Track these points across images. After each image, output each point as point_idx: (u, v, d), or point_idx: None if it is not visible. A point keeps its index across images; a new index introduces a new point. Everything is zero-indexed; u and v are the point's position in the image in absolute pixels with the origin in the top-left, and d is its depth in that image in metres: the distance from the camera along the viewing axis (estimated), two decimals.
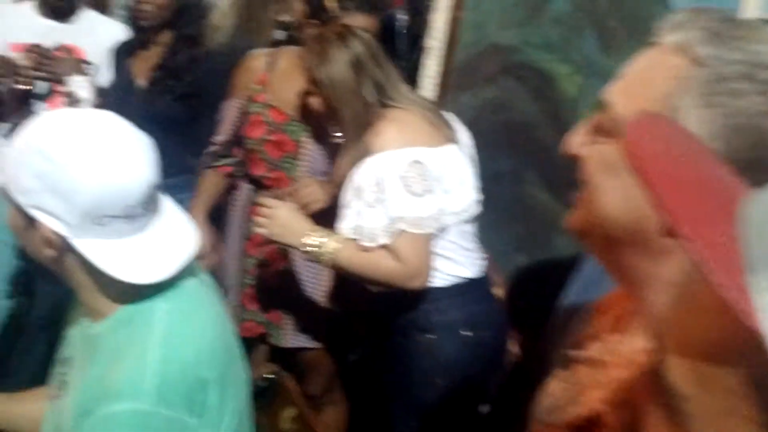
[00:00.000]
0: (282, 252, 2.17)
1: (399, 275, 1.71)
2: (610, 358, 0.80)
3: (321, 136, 2.09)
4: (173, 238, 1.14)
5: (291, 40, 2.84)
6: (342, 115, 1.77)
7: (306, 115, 2.06)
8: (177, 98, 2.29)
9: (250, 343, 2.18)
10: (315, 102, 1.85)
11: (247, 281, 2.25)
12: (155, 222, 1.12)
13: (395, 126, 1.74)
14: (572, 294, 1.48)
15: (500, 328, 1.92)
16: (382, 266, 1.71)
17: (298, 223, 1.76)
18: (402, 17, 3.33)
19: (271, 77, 2.16)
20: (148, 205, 1.09)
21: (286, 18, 3.02)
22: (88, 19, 2.41)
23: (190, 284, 1.16)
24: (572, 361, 0.88)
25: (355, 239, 1.72)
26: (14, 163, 1.05)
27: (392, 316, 1.88)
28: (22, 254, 1.74)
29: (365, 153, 1.72)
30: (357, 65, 1.75)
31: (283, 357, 2.38)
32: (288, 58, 2.17)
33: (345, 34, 1.78)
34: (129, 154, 1.05)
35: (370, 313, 1.98)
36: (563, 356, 0.90)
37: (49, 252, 1.07)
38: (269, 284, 2.23)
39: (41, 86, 2.34)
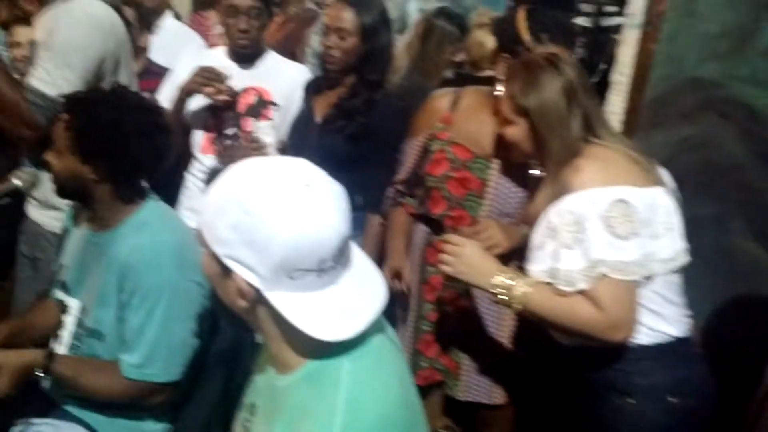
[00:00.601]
0: (462, 295, 2.07)
1: (598, 325, 1.55)
2: None
3: (512, 172, 1.98)
4: (362, 292, 1.12)
5: (464, 79, 2.80)
6: (548, 146, 1.65)
7: (499, 149, 1.97)
8: (347, 138, 2.30)
9: (424, 392, 2.08)
10: (514, 133, 1.73)
11: (424, 327, 2.16)
12: (345, 275, 1.10)
13: (598, 163, 1.61)
14: None
15: (709, 396, 1.69)
16: (580, 314, 1.56)
17: (487, 262, 1.66)
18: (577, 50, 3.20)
19: (455, 116, 2.10)
20: (340, 258, 1.07)
21: (461, 57, 2.99)
22: (273, 62, 2.48)
23: (375, 341, 1.14)
24: None
25: (549, 283, 1.59)
26: (213, 212, 1.06)
27: (585, 373, 1.71)
28: (210, 295, 1.78)
29: (563, 191, 1.59)
30: (569, 92, 1.64)
31: (459, 410, 2.25)
32: (472, 96, 2.11)
33: (555, 60, 1.67)
34: (324, 208, 1.04)
35: (558, 367, 1.81)
36: None
37: (241, 302, 1.08)
38: (448, 330, 2.13)
39: (229, 127, 2.42)
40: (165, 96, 2.43)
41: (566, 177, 1.61)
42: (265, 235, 1.01)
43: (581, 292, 1.55)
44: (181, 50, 3.36)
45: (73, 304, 1.86)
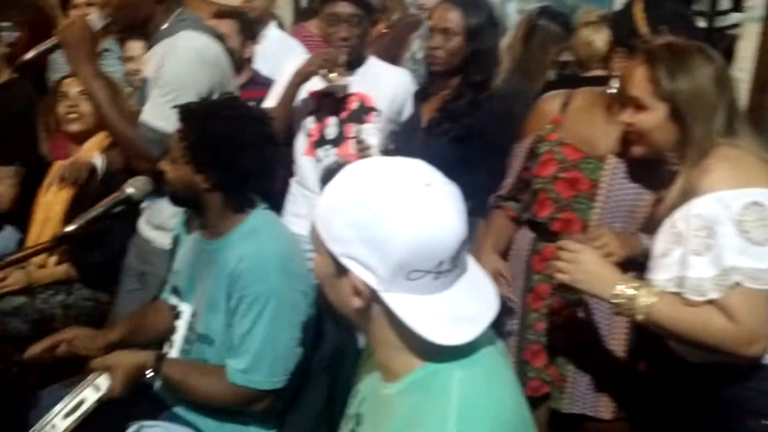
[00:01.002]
0: (571, 304, 1.97)
1: (731, 338, 1.44)
2: None
3: (627, 172, 1.88)
4: (476, 298, 1.10)
5: (569, 81, 2.70)
6: (691, 134, 1.54)
7: (615, 145, 1.88)
8: (451, 140, 2.26)
9: (531, 404, 2.00)
10: (647, 120, 1.61)
11: (530, 337, 2.08)
12: (460, 280, 1.08)
13: (729, 163, 1.50)
14: None
15: None
16: (710, 326, 1.45)
17: (606, 270, 1.57)
18: None
19: (566, 117, 2.02)
20: (456, 262, 1.05)
21: (566, 57, 2.89)
22: (375, 68, 2.47)
23: (485, 350, 1.11)
24: None
25: (675, 293, 1.48)
26: (329, 211, 1.05)
27: (713, 391, 1.59)
28: (315, 303, 1.82)
29: (691, 194, 1.49)
30: (720, 80, 1.54)
31: (565, 424, 2.15)
32: (583, 97, 2.03)
33: (704, 48, 1.58)
34: (444, 208, 1.02)
35: (681, 383, 1.69)
36: None
37: (356, 302, 1.06)
38: (555, 340, 2.04)
39: (331, 131, 2.43)
40: (271, 105, 2.46)
41: (694, 179, 1.50)
42: (385, 233, 0.99)
43: (712, 303, 1.45)
44: (285, 60, 3.43)
45: (185, 309, 1.91)
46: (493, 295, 1.12)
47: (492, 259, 2.12)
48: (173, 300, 1.95)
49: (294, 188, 2.56)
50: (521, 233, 2.14)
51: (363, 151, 2.24)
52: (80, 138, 2.65)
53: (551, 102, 2.07)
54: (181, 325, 1.90)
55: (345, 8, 2.33)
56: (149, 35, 2.11)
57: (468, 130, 2.24)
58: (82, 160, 2.55)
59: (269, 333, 1.74)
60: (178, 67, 2.01)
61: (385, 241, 0.99)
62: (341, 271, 1.05)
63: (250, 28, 3.10)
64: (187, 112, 1.80)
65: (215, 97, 2.07)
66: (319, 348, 1.89)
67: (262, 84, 2.95)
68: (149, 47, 2.14)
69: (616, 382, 1.99)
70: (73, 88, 2.60)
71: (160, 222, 2.16)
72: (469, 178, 2.11)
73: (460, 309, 1.05)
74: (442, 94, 2.34)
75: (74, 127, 2.62)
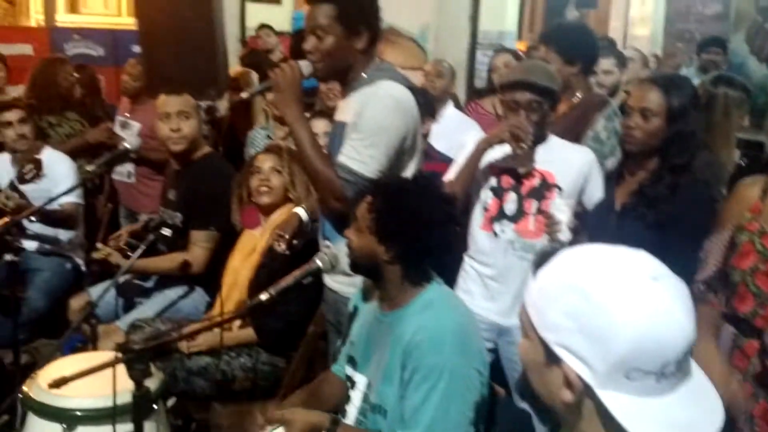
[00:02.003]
0: None
1: None
2: None
3: None
4: (701, 407, 0.99)
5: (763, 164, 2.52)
6: None
7: None
8: (648, 226, 2.15)
9: None
10: None
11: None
12: (683, 384, 0.98)
13: None
14: None
15: None
16: None
17: None
18: None
19: (765, 205, 1.86)
20: (682, 365, 0.96)
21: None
22: (557, 146, 2.44)
23: None
24: None
25: None
26: (544, 297, 1.01)
27: None
28: (488, 383, 1.80)
29: None
30: None
31: None
32: None
33: None
34: (673, 305, 0.95)
35: None
36: None
37: (566, 396, 0.99)
38: None
39: (510, 207, 2.40)
40: (451, 178, 2.48)
41: None
42: (606, 326, 0.93)
43: None
44: (460, 138, 3.49)
45: (360, 379, 1.93)
46: (719, 404, 1.01)
47: (724, 372, 1.90)
48: (349, 370, 1.98)
49: (467, 263, 2.54)
50: (724, 328, 1.98)
51: (551, 227, 2.19)
52: (269, 210, 2.82)
53: (750, 188, 1.93)
54: (356, 396, 1.92)
55: (525, 95, 2.32)
56: (347, 83, 2.24)
57: (666, 216, 2.13)
58: (288, 216, 2.69)
59: (441, 407, 1.71)
60: (378, 113, 2.10)
61: (606, 335, 0.93)
62: (552, 359, 0.99)
63: (430, 105, 3.19)
64: (379, 185, 1.87)
65: (407, 142, 2.16)
66: None
67: (435, 158, 3.00)
68: (345, 94, 2.26)
69: None
70: (266, 163, 2.80)
71: (343, 269, 2.23)
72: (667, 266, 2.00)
73: (681, 417, 0.96)
74: (637, 175, 2.26)
75: (265, 200, 2.80)
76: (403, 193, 1.81)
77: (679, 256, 2.05)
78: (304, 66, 2.16)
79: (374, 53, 2.24)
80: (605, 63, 3.85)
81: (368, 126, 2.09)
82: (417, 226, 1.77)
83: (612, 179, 2.38)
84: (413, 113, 2.19)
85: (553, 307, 0.98)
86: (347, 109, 2.20)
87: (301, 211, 2.63)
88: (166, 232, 2.82)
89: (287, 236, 2.49)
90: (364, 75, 2.19)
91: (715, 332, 1.99)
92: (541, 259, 1.04)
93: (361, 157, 2.07)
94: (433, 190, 1.87)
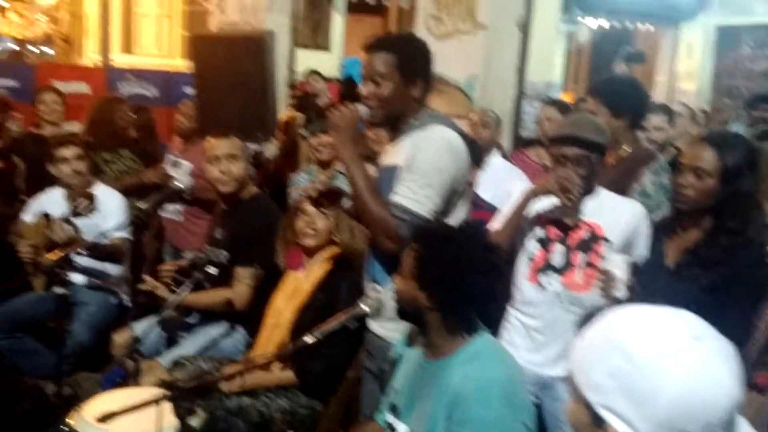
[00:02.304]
0: None
1: None
2: None
3: None
4: None
5: None
6: None
7: None
8: (702, 289, 2.09)
9: None
10: None
11: None
12: None
13: None
14: None
15: None
16: None
17: None
18: None
19: None
20: (729, 426, 0.95)
21: None
22: (606, 198, 2.41)
23: None
24: None
25: None
26: (588, 357, 1.01)
27: None
28: None
29: None
30: None
31: None
32: None
33: None
34: (717, 366, 0.94)
35: None
36: None
37: None
38: None
39: (557, 258, 2.38)
40: (496, 228, 2.47)
41: None
42: (648, 387, 0.92)
43: None
44: (506, 187, 3.49)
45: (402, 428, 1.90)
46: None
47: None
48: (390, 418, 1.96)
49: (511, 314, 2.51)
50: None
51: (608, 284, 2.15)
52: (312, 251, 2.84)
53: None
54: None
55: (573, 150, 2.31)
56: (397, 128, 2.29)
57: (723, 280, 2.08)
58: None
59: None
60: (432, 155, 2.15)
61: (649, 396, 0.92)
62: (598, 421, 0.99)
63: (477, 154, 3.20)
64: (422, 231, 1.88)
65: (459, 184, 2.19)
66: None
67: (479, 206, 3.00)
68: (394, 139, 2.31)
69: None
70: (311, 206, 2.83)
71: (390, 315, 2.23)
72: (718, 330, 1.95)
73: None
74: (690, 233, 2.21)
75: (310, 242, 2.82)
76: (446, 240, 1.82)
77: (733, 320, 2.00)
78: (361, 110, 2.23)
79: (425, 101, 2.31)
80: (656, 119, 3.82)
81: (423, 167, 2.13)
82: (458, 274, 1.77)
83: (661, 232, 2.33)
84: (464, 156, 2.24)
85: (597, 368, 0.98)
86: (398, 153, 2.25)
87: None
88: (212, 270, 2.86)
89: None
90: (415, 121, 2.25)
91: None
92: (585, 319, 1.04)
93: (417, 196, 2.11)
94: (477, 238, 1.87)
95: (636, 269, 2.26)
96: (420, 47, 2.29)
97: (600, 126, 2.42)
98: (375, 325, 2.32)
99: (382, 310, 1.98)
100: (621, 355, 0.95)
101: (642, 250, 2.37)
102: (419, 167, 2.14)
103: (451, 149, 2.18)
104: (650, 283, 2.18)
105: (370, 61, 2.23)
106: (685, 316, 1.00)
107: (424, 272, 1.81)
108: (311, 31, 8.03)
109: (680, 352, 0.93)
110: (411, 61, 2.23)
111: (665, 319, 0.99)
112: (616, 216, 2.37)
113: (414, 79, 2.23)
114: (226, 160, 3.10)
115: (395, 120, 2.28)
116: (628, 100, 2.92)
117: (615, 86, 3.00)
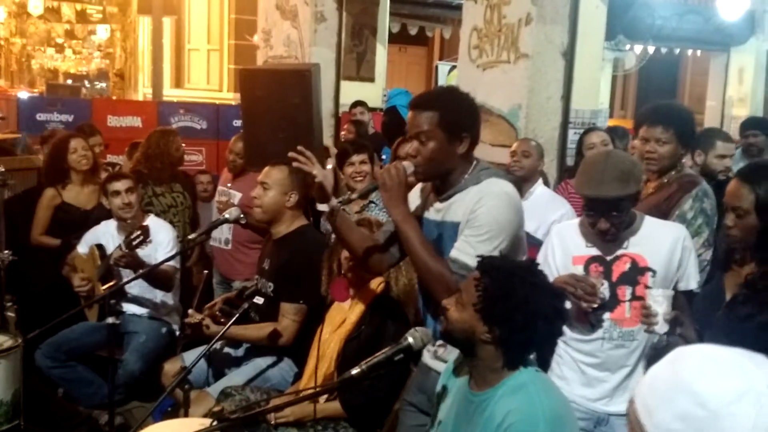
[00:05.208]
0: None
1: None
2: None
3: None
4: None
5: None
6: None
7: None
8: (760, 327, 2.02)
9: None
10: None
11: None
12: None
13: None
14: None
15: None
16: None
17: None
18: None
19: None
20: None
21: None
22: (647, 225, 2.37)
23: None
24: None
25: None
26: (655, 396, 0.98)
27: None
28: None
29: None
30: None
31: None
32: None
33: None
34: None
35: None
36: None
37: None
38: None
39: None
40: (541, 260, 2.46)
41: None
42: None
43: None
44: (550, 216, 3.46)
45: None
46: None
47: None
48: None
49: (561, 348, 2.47)
50: None
51: (647, 318, 2.12)
52: (359, 283, 2.85)
53: None
54: None
55: (601, 207, 2.26)
56: (446, 184, 2.27)
57: None
58: None
59: None
60: (494, 209, 2.15)
61: None
62: None
63: (518, 186, 3.18)
64: (490, 263, 1.86)
65: (517, 236, 2.20)
66: None
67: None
68: (443, 194, 2.28)
69: None
70: None
71: (444, 355, 2.22)
72: None
73: None
74: (746, 267, 2.17)
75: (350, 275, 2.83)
76: (513, 277, 1.79)
77: None
78: (408, 167, 2.22)
79: (473, 156, 2.29)
80: (722, 147, 3.69)
81: (484, 222, 2.13)
82: (525, 316, 1.75)
83: (718, 266, 2.29)
84: (522, 209, 2.24)
85: (664, 408, 0.95)
86: (454, 210, 2.24)
87: None
88: (259, 300, 2.90)
89: None
90: (466, 176, 2.24)
91: None
92: (655, 354, 1.01)
93: (476, 251, 2.09)
94: (543, 280, 1.86)
95: (690, 297, 2.22)
96: (464, 103, 2.28)
97: (626, 173, 2.26)
98: (429, 357, 2.32)
99: (429, 343, 1.97)
100: (692, 399, 0.93)
101: (691, 269, 2.33)
102: (480, 222, 2.14)
103: (511, 202, 2.18)
104: (708, 318, 2.14)
105: (415, 118, 2.23)
106: (759, 359, 0.97)
107: (490, 307, 1.78)
108: (355, 63, 8.15)
109: (756, 402, 0.91)
110: (455, 119, 2.21)
111: (742, 364, 0.96)
112: (658, 242, 2.32)
113: (459, 136, 2.21)
114: (259, 187, 3.21)
115: (443, 177, 2.27)
116: (694, 129, 2.93)
117: (684, 115, 2.96)
